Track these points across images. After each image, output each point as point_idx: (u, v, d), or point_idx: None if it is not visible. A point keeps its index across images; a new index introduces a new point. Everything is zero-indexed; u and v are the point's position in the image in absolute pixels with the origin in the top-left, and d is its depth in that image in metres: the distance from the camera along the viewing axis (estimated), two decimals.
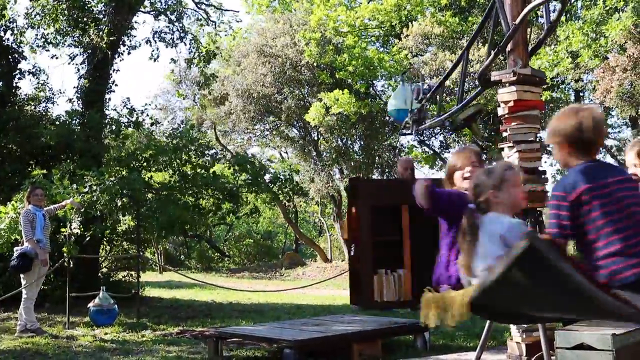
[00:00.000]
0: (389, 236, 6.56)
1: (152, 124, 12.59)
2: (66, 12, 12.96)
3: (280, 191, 11.48)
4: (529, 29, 5.45)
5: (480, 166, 4.13)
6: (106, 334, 8.26)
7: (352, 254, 6.66)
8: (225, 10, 17.76)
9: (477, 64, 16.35)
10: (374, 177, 23.64)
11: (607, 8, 15.29)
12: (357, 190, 6.57)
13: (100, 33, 12.67)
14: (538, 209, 5.19)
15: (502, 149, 5.27)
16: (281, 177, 11.46)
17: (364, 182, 7.04)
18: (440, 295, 3.59)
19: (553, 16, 5.47)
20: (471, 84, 17.91)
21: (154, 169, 10.95)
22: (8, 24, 12.88)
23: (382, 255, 6.49)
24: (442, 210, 3.97)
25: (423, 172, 24.64)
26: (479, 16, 20.13)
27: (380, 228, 6.50)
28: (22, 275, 8.38)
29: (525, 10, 5.04)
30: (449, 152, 23.02)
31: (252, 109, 21.66)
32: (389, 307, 6.86)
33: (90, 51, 12.88)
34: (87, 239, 9.74)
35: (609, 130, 24.11)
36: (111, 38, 12.59)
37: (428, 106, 8.20)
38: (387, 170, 23.32)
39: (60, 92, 13.41)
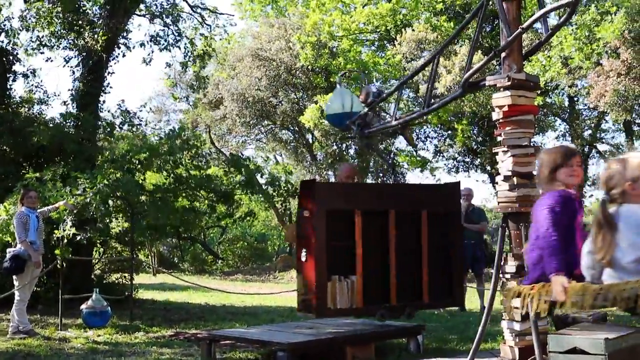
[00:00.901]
0: (341, 241, 6.42)
1: (145, 124, 12.61)
2: (61, 15, 12.94)
3: (275, 193, 11.48)
4: (523, 34, 5.45)
5: (581, 166, 4.22)
6: (99, 335, 8.24)
7: (303, 259, 6.27)
8: (220, 14, 17.75)
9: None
10: (368, 181, 23.68)
11: (600, 12, 15.36)
12: (312, 193, 6.31)
13: (95, 36, 12.66)
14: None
15: (497, 153, 5.29)
16: (278, 181, 11.48)
17: (319, 185, 6.74)
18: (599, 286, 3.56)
19: (550, 21, 5.49)
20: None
21: (148, 171, 10.94)
22: (2, 26, 12.86)
23: (334, 261, 6.33)
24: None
25: (417, 176, 24.65)
26: (474, 21, 20.18)
27: (331, 233, 6.35)
28: (14, 277, 8.36)
29: (536, 15, 5.06)
30: (442, 157, 23.04)
31: (247, 114, 21.63)
32: (342, 314, 6.59)
33: (85, 54, 12.87)
34: (81, 240, 9.70)
35: (603, 135, 24.18)
36: (105, 39, 12.58)
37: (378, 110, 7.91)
38: (381, 174, 23.35)
39: (55, 95, 13.36)
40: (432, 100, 6.53)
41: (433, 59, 6.35)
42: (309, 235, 6.24)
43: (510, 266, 5.06)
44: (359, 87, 18.62)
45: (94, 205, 9.34)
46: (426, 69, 6.89)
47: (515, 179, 5.08)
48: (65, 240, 9.20)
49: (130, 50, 13.67)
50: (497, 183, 5.28)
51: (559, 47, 16.01)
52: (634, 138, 22.93)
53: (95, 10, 13.42)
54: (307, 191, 6.42)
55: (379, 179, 23.52)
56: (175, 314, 10.72)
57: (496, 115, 5.24)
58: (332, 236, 6.28)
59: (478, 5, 5.66)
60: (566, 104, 22.72)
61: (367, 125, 7.16)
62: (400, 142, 24.02)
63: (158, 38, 14.38)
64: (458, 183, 7.51)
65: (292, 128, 23.08)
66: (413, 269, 6.74)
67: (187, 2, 15.75)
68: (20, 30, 13.25)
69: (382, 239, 6.59)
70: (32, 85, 13.03)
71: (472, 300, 11.19)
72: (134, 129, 12.31)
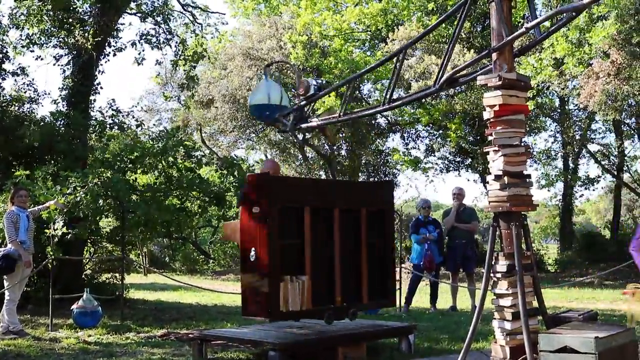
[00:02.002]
0: (289, 239, 6.04)
1: (137, 126, 12.56)
2: (51, 12, 12.87)
3: None
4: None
5: None
6: (90, 336, 8.21)
7: (252, 259, 5.84)
8: (212, 12, 17.70)
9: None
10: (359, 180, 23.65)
11: (592, 16, 15.41)
12: (266, 188, 5.88)
13: (86, 34, 12.60)
14: (523, 213, 5.22)
15: (488, 152, 5.29)
16: None
17: (274, 179, 6.22)
18: None
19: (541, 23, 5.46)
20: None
21: (139, 170, 10.91)
22: None
23: (282, 260, 5.97)
24: None
25: (406, 176, 24.68)
26: (465, 21, 20.21)
27: (280, 231, 5.97)
28: (4, 277, 8.33)
29: (545, 16, 5.07)
30: (434, 156, 23.07)
31: (238, 117, 21.62)
32: (293, 317, 6.25)
33: (75, 52, 12.81)
34: (71, 239, 9.67)
35: (593, 135, 24.30)
36: (97, 39, 12.53)
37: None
38: (372, 174, 23.37)
39: (45, 93, 13.27)
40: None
41: (399, 52, 6.15)
42: (259, 233, 5.85)
43: (501, 265, 5.06)
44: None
45: (84, 204, 9.31)
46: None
47: (506, 178, 5.08)
48: (56, 240, 9.16)
49: (121, 50, 13.61)
50: (488, 182, 5.29)
51: (550, 49, 16.06)
52: (623, 138, 23.05)
53: (86, 8, 13.37)
54: (259, 185, 6.02)
55: (370, 178, 23.53)
56: (167, 314, 10.69)
57: (487, 114, 5.24)
58: (280, 234, 5.99)
59: (460, 2, 5.62)
60: (557, 104, 22.81)
61: (303, 120, 6.82)
62: (393, 140, 24.06)
63: (149, 37, 14.33)
64: (391, 181, 7.46)
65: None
66: (354, 269, 6.60)
67: (178, 0, 15.72)
68: (10, 27, 13.18)
69: (326, 237, 6.41)
70: (22, 83, 12.97)
71: (463, 300, 11.22)
72: (125, 127, 12.27)
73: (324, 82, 7.00)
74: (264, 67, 7.61)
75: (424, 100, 19.28)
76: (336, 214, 6.43)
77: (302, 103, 6.83)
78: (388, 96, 6.03)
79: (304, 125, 6.86)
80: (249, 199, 6.00)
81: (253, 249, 5.83)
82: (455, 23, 5.61)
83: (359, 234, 6.66)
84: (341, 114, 6.58)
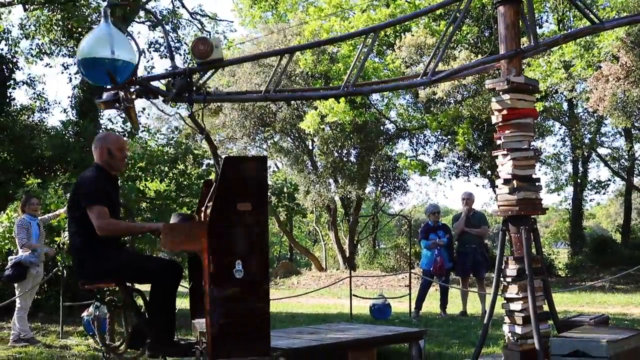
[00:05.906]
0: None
1: (143, 131, 12.65)
2: (60, 22, 12.98)
3: (279, 203, 11.49)
4: (523, 39, 5.46)
5: None
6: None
7: (237, 275, 4.36)
8: (220, 20, 17.85)
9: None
10: (367, 188, 23.62)
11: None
12: (259, 177, 4.43)
13: None
14: (532, 217, 5.20)
15: (497, 156, 5.29)
16: (282, 193, 11.49)
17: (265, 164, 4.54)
18: None
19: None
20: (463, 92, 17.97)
21: (149, 178, 10.95)
22: (2, 34, 12.90)
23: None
24: None
25: (415, 181, 24.61)
26: (473, 26, 20.21)
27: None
28: (15, 285, 8.36)
29: (575, 30, 5.08)
30: (442, 161, 23.04)
31: (247, 125, 21.67)
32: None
33: None
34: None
35: (603, 139, 24.21)
36: None
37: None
38: (382, 180, 23.36)
39: (56, 102, 13.41)
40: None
41: (369, 31, 5.78)
42: (250, 239, 4.40)
43: (512, 270, 5.05)
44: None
45: None
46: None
47: (515, 182, 5.07)
48: (66, 248, 9.19)
49: None
50: (497, 187, 5.27)
51: (560, 52, 16.03)
52: (633, 141, 22.95)
53: (94, 17, 13.46)
54: (249, 172, 4.44)
55: (380, 184, 23.51)
56: (176, 321, 10.67)
57: (495, 118, 5.24)
58: None
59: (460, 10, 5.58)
60: (565, 107, 22.74)
61: (191, 90, 5.15)
62: (402, 146, 24.03)
63: (157, 45, 14.42)
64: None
65: (292, 135, 23.11)
66: None
67: (186, 9, 15.83)
68: (20, 38, 13.30)
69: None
70: (33, 92, 13.09)
71: (473, 305, 11.18)
72: (134, 135, 12.35)
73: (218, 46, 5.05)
74: (104, 8, 4.84)
75: (432, 107, 19.28)
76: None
77: (194, 67, 5.15)
78: (352, 81, 5.51)
79: (194, 97, 5.18)
80: (227, 192, 4.41)
81: (239, 261, 4.38)
82: (453, 16, 5.60)
83: None
84: (270, 89, 5.60)
